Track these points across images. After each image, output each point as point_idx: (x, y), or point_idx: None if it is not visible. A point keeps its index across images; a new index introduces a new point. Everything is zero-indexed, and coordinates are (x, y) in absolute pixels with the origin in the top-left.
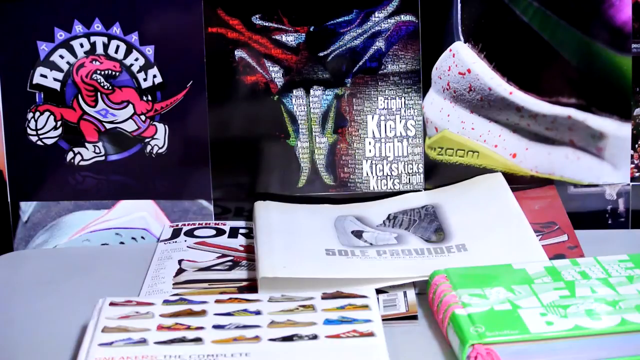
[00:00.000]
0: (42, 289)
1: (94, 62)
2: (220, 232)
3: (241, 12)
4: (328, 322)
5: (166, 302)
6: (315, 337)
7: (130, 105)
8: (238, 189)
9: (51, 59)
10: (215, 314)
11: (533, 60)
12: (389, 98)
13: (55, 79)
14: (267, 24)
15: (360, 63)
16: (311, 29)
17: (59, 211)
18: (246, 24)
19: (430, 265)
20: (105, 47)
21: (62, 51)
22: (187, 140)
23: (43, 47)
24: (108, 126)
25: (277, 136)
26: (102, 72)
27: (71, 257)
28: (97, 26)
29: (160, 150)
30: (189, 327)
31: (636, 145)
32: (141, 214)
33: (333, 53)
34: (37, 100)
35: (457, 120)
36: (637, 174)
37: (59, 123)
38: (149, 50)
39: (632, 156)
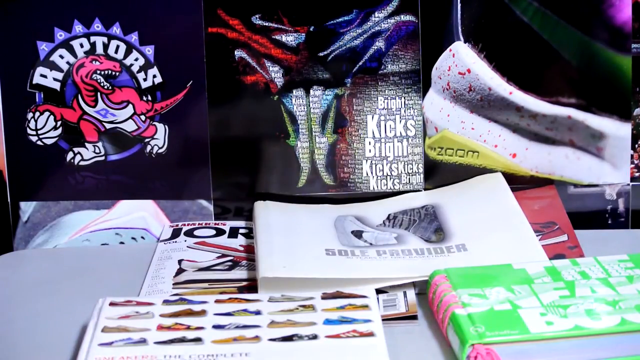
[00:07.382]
0: (42, 289)
1: (93, 62)
2: (220, 232)
3: (241, 12)
4: (328, 322)
5: (166, 302)
6: (315, 337)
7: (130, 105)
8: (238, 189)
9: (51, 59)
10: (215, 314)
11: (533, 60)
12: (389, 98)
13: (55, 79)
14: (267, 24)
15: (360, 63)
16: (311, 29)
17: (58, 211)
18: (246, 24)
19: (430, 265)
20: (105, 47)
21: (62, 51)
22: (187, 140)
23: (43, 47)
24: (108, 126)
25: (277, 136)
26: (102, 72)
27: (71, 257)
28: (97, 26)
29: (160, 150)
30: (189, 327)
31: (636, 145)
32: (141, 214)
33: (333, 53)
34: (37, 100)
35: (457, 120)
36: (637, 174)
37: (58, 123)
38: (149, 50)
39: (632, 156)
